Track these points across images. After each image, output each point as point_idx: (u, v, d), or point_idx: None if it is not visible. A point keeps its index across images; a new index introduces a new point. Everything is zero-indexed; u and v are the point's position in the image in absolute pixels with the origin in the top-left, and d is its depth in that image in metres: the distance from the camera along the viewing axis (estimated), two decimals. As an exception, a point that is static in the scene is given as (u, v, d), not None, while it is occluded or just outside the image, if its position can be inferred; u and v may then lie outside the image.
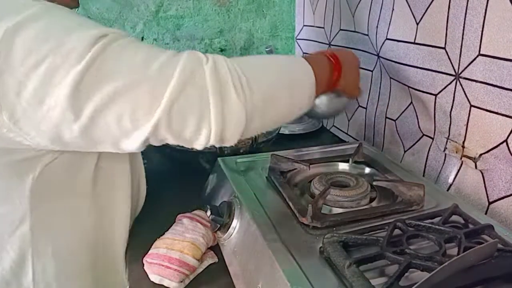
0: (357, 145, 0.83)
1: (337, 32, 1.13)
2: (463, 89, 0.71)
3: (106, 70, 0.46)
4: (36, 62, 0.44)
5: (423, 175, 0.83)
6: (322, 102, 0.74)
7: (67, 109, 0.45)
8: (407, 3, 0.80)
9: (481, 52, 0.65)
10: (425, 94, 0.80)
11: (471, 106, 0.70)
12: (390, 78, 0.93)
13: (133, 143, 0.50)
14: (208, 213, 0.65)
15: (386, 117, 0.98)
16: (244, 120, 0.50)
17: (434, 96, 0.78)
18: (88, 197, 0.62)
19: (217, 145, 0.52)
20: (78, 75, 0.44)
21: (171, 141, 0.51)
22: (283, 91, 0.56)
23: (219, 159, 0.82)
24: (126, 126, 0.48)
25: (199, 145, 0.51)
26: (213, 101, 0.48)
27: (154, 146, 0.54)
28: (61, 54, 0.45)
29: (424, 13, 0.76)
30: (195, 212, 0.73)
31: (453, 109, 0.74)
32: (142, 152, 0.74)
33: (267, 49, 1.30)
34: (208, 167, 0.90)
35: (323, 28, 1.21)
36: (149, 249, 0.65)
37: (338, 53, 0.70)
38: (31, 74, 0.44)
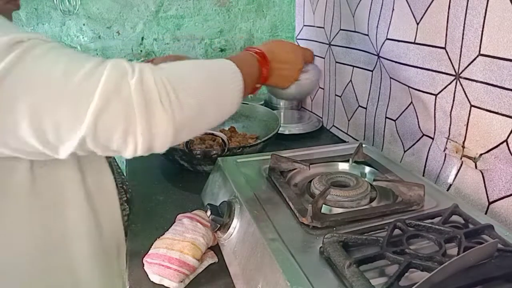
0: (357, 145, 0.83)
1: (337, 32, 1.13)
2: (463, 89, 0.71)
3: (23, 82, 0.43)
4: None
5: (423, 175, 0.83)
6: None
7: None
8: (407, 3, 0.80)
9: (481, 52, 0.65)
10: (425, 94, 0.80)
11: (471, 106, 0.70)
12: (390, 78, 0.93)
13: (60, 155, 0.48)
14: (208, 213, 0.65)
15: (386, 117, 0.98)
16: (171, 134, 0.48)
17: (434, 96, 0.78)
18: (26, 198, 0.58)
19: (145, 154, 0.50)
20: None
21: (100, 153, 0.49)
22: (212, 102, 0.54)
23: (219, 159, 0.82)
24: (50, 140, 0.46)
25: (127, 155, 0.49)
26: (139, 117, 0.45)
27: None
28: None
29: (424, 13, 0.76)
30: (195, 212, 0.73)
31: (453, 109, 0.74)
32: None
33: (267, 49, 1.31)
34: (204, 169, 0.90)
35: (323, 28, 1.21)
36: (149, 249, 0.65)
37: (265, 47, 0.70)
38: None
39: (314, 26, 1.28)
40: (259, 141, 0.95)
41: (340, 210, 0.64)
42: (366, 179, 0.75)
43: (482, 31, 0.64)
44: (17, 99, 0.43)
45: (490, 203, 0.69)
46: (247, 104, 1.19)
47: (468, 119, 0.71)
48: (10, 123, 0.43)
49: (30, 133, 0.44)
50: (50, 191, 0.60)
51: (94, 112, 0.44)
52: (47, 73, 0.44)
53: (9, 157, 0.50)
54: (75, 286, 0.65)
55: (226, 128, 1.11)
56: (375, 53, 0.96)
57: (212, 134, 0.93)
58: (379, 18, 0.90)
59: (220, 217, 0.65)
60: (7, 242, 0.58)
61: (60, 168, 0.60)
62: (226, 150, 0.87)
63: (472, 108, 0.70)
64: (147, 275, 0.62)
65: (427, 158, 0.85)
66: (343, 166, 0.82)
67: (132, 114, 0.45)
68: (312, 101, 1.39)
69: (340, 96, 1.19)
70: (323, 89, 1.30)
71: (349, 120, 1.16)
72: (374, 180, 0.70)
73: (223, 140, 0.87)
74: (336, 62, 1.17)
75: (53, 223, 0.61)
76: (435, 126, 0.81)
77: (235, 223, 0.65)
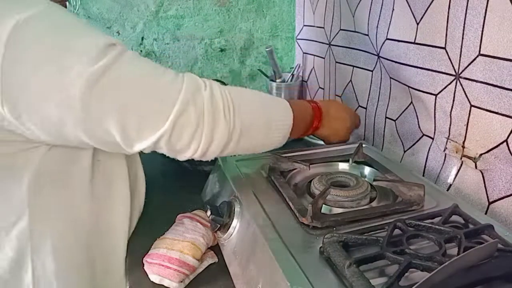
0: (357, 145, 0.83)
1: (337, 32, 1.13)
2: (463, 89, 0.71)
3: (120, 79, 0.48)
4: (45, 59, 0.45)
5: (423, 175, 0.83)
6: None
7: (77, 110, 0.46)
8: (407, 3, 0.80)
9: (481, 52, 0.65)
10: (425, 94, 0.80)
11: (471, 106, 0.70)
12: (390, 78, 0.93)
13: (132, 150, 0.53)
14: (208, 213, 0.65)
15: (386, 117, 0.98)
16: (225, 139, 0.57)
17: (434, 96, 0.78)
18: (85, 190, 0.62)
19: (197, 159, 0.58)
20: (92, 79, 0.46)
21: (164, 151, 0.56)
22: (261, 125, 0.62)
23: (219, 159, 0.82)
24: (131, 136, 0.51)
25: (184, 157, 0.57)
26: (207, 121, 0.54)
27: None
28: (72, 55, 0.45)
29: (424, 13, 0.76)
30: (195, 212, 0.73)
31: (453, 109, 0.74)
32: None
33: (267, 49, 1.31)
34: (208, 168, 0.90)
35: (323, 28, 1.21)
36: (149, 249, 0.65)
37: (324, 104, 0.80)
38: (38, 71, 0.45)
39: (314, 26, 1.28)
40: None
41: (340, 210, 0.64)
42: (366, 179, 0.75)
43: (482, 31, 0.64)
44: (110, 96, 0.48)
45: (490, 203, 0.69)
46: None
47: (468, 119, 0.71)
48: (98, 114, 0.48)
49: (115, 126, 0.49)
50: (103, 182, 0.65)
51: (175, 115, 0.51)
52: (139, 74, 0.51)
53: (75, 147, 0.56)
54: (104, 277, 0.67)
55: None
56: (375, 53, 0.96)
57: None
58: (379, 18, 0.90)
59: (220, 217, 0.65)
60: (70, 227, 0.62)
61: (112, 162, 0.66)
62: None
63: (472, 108, 0.70)
64: (147, 275, 0.62)
65: (427, 158, 0.85)
66: (343, 166, 0.82)
67: (201, 120, 0.53)
68: (312, 101, 1.39)
69: (340, 96, 1.19)
70: (323, 89, 1.30)
71: (349, 120, 1.16)
72: (374, 180, 0.70)
73: None
74: (336, 62, 1.17)
75: (103, 215, 0.65)
76: (435, 126, 0.81)
77: (235, 223, 0.65)
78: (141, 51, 1.32)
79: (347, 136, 0.87)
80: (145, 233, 0.73)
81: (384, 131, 0.99)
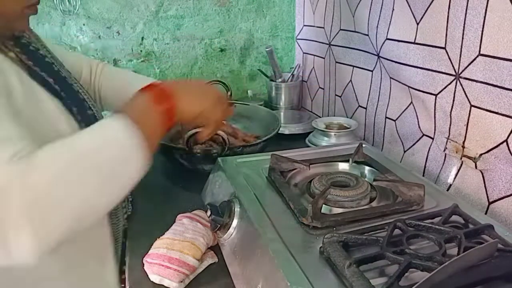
0: (357, 145, 0.83)
1: (337, 32, 1.13)
2: (463, 89, 0.71)
3: None
4: None
5: (423, 175, 0.83)
6: None
7: None
8: (407, 3, 0.80)
9: (481, 52, 0.65)
10: (425, 94, 0.80)
11: (471, 106, 0.70)
12: (390, 78, 0.93)
13: None
14: (208, 213, 0.65)
15: (386, 117, 0.98)
16: (36, 252, 0.40)
17: (434, 96, 0.78)
18: None
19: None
20: None
21: None
22: (95, 187, 0.45)
23: (219, 159, 0.82)
24: None
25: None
26: None
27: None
28: None
29: (424, 13, 0.76)
30: (195, 212, 0.73)
31: (453, 109, 0.74)
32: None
33: (267, 49, 1.31)
34: (208, 167, 0.90)
35: (323, 28, 1.21)
36: (149, 249, 0.65)
37: (167, 83, 0.61)
38: None
39: (314, 26, 1.28)
40: (259, 140, 0.95)
41: (340, 210, 0.64)
42: (366, 179, 0.75)
43: (482, 31, 0.64)
44: None
45: (490, 203, 0.69)
46: (248, 105, 1.19)
47: (468, 119, 0.71)
48: None
49: None
50: None
51: None
52: None
53: None
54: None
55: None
56: (375, 53, 0.96)
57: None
58: (379, 18, 0.90)
59: (220, 217, 0.65)
60: None
61: None
62: (226, 149, 0.87)
63: (472, 108, 0.70)
64: (147, 275, 0.62)
65: (427, 158, 0.85)
66: (343, 166, 0.82)
67: None
68: (312, 101, 1.39)
69: (340, 96, 1.19)
70: (323, 89, 1.30)
71: (349, 120, 1.16)
72: (374, 180, 0.70)
73: (223, 138, 0.87)
74: (336, 62, 1.17)
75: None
76: (435, 126, 0.81)
77: (235, 223, 0.65)
78: (141, 51, 1.32)
79: (213, 99, 0.64)
80: (145, 233, 0.72)
81: (384, 131, 0.99)
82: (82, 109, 0.63)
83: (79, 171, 0.44)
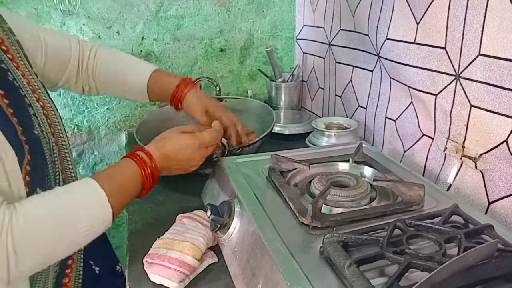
0: (357, 145, 0.83)
1: (337, 32, 1.13)
2: (463, 89, 0.71)
3: None
4: None
5: (423, 175, 0.83)
6: None
7: None
8: (407, 3, 0.80)
9: (481, 52, 0.65)
10: (425, 94, 0.80)
11: (471, 106, 0.70)
12: (390, 78, 0.93)
13: None
14: (208, 213, 0.65)
15: (386, 117, 0.98)
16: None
17: (434, 96, 0.78)
18: None
19: None
20: None
21: None
22: (64, 252, 0.55)
23: (219, 158, 0.82)
24: None
25: None
26: None
27: None
28: None
29: (424, 13, 0.76)
30: (195, 212, 0.73)
31: (453, 109, 0.74)
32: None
33: (267, 49, 1.31)
34: (204, 172, 0.90)
35: (323, 28, 1.21)
36: (149, 249, 0.65)
37: (154, 149, 0.65)
38: None
39: (314, 26, 1.28)
40: (257, 139, 0.94)
41: (340, 210, 0.64)
42: (366, 179, 0.75)
43: (482, 31, 0.64)
44: None
45: (490, 203, 0.69)
46: (238, 98, 1.20)
47: (468, 119, 0.71)
48: None
49: None
50: None
51: None
52: None
53: None
54: None
55: None
56: (375, 53, 0.96)
57: None
58: (379, 18, 0.90)
59: (220, 217, 0.65)
60: None
61: None
62: (226, 153, 0.86)
63: (472, 108, 0.70)
64: (147, 275, 0.62)
65: (427, 158, 0.85)
66: (343, 166, 0.82)
67: None
68: (312, 101, 1.39)
69: (340, 96, 1.19)
70: (323, 89, 1.30)
71: (349, 120, 1.16)
72: (374, 180, 0.70)
73: (222, 143, 0.87)
74: (336, 62, 1.17)
75: None
76: (435, 126, 0.81)
77: (235, 223, 0.65)
78: (141, 51, 1.32)
79: (200, 155, 0.72)
80: (145, 233, 0.72)
81: (384, 131, 0.99)
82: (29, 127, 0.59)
83: (57, 229, 0.52)
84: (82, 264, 0.68)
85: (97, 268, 0.77)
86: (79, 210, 0.54)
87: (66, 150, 0.67)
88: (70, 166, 0.68)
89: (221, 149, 0.88)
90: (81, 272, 0.68)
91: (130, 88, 0.86)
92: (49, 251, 0.53)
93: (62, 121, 0.69)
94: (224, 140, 0.88)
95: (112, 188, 0.57)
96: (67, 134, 0.74)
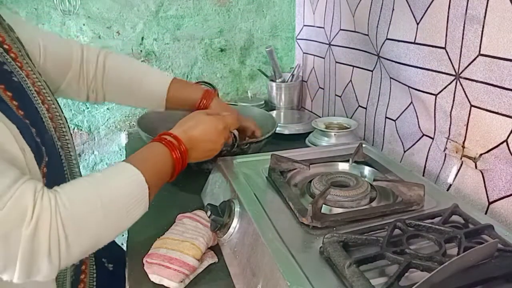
0: (357, 145, 0.83)
1: (337, 32, 1.13)
2: (463, 89, 0.71)
3: None
4: None
5: (423, 175, 0.83)
6: None
7: None
8: (407, 3, 0.80)
9: (481, 52, 0.65)
10: (425, 94, 0.80)
11: (471, 106, 0.70)
12: (390, 78, 0.93)
13: None
14: (208, 213, 0.65)
15: (386, 117, 0.98)
16: (53, 274, 0.48)
17: (434, 96, 0.78)
18: None
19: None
20: None
21: None
22: (109, 235, 0.55)
23: (219, 159, 0.82)
24: None
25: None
26: (19, 268, 0.45)
27: None
28: None
29: (424, 13, 0.76)
30: (195, 212, 0.73)
31: (453, 109, 0.74)
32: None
33: (267, 49, 1.31)
34: (208, 168, 0.90)
35: (323, 28, 1.21)
36: (149, 249, 0.65)
37: (183, 131, 0.66)
38: None
39: (314, 26, 1.28)
40: (265, 136, 0.94)
41: (340, 210, 0.64)
42: (366, 179, 0.75)
43: (482, 31, 0.64)
44: None
45: (490, 203, 0.69)
46: (237, 105, 1.18)
47: (468, 119, 0.71)
48: None
49: None
50: None
51: None
52: None
53: None
54: None
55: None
56: (375, 53, 0.96)
57: None
58: (379, 18, 0.90)
59: (220, 217, 0.65)
60: None
61: None
62: (236, 145, 0.86)
63: (472, 108, 0.70)
64: (147, 275, 0.62)
65: (427, 158, 0.85)
66: (343, 166, 0.82)
67: (12, 264, 0.45)
68: (312, 101, 1.39)
69: (340, 96, 1.19)
70: (323, 89, 1.30)
71: (349, 120, 1.16)
72: (374, 180, 0.70)
73: (234, 135, 0.86)
74: (336, 62, 1.17)
75: None
76: (435, 126, 0.81)
77: (235, 223, 0.65)
78: (141, 51, 1.32)
79: (224, 137, 0.74)
80: (145, 233, 0.72)
81: (384, 131, 0.99)
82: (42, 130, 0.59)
83: (102, 211, 0.51)
84: (94, 262, 0.70)
85: (110, 265, 0.79)
86: (120, 190, 0.55)
87: (71, 154, 0.66)
88: (77, 170, 0.68)
89: (232, 140, 0.87)
90: (95, 269, 0.69)
91: (145, 96, 0.84)
92: (97, 233, 0.52)
93: (67, 122, 0.68)
94: (235, 131, 0.87)
95: (147, 169, 0.57)
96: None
